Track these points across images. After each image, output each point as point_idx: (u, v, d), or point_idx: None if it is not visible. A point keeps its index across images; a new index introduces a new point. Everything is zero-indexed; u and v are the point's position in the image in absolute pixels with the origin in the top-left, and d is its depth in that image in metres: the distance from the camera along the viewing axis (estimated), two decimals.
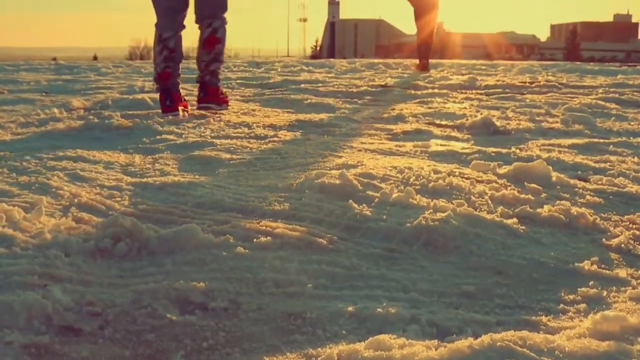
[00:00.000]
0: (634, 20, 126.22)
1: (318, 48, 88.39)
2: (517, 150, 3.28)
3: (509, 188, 2.38)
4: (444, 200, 2.14)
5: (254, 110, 4.90)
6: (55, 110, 4.70)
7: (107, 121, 3.88)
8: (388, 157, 3.00)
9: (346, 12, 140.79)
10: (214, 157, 2.94)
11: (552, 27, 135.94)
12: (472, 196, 2.22)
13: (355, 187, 2.19)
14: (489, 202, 2.17)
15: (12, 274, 1.48)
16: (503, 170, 2.66)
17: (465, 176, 2.52)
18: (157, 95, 5.49)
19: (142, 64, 13.57)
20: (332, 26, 31.76)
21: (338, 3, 29.45)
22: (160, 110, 4.57)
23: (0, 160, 2.84)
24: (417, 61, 13.30)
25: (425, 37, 12.59)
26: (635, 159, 3.17)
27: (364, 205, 2.03)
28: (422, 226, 1.82)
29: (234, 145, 3.22)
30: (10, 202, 2.08)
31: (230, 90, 6.65)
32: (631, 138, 3.87)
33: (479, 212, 2.01)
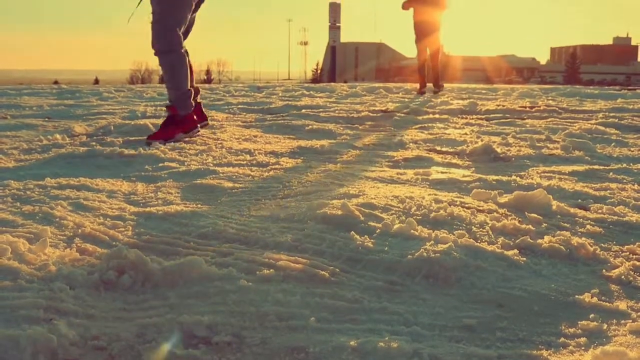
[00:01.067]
0: (633, 43, 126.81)
1: (319, 71, 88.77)
2: (518, 178, 3.29)
3: (509, 218, 2.40)
4: (445, 230, 2.15)
5: (255, 136, 4.93)
6: (58, 136, 4.73)
7: (109, 148, 3.90)
8: (389, 185, 3.02)
9: (347, 36, 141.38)
10: (216, 185, 2.96)
11: (552, 50, 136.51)
12: (473, 226, 2.23)
13: (357, 217, 2.21)
14: (490, 232, 2.19)
15: (18, 308, 1.49)
16: (504, 199, 2.67)
17: (466, 205, 2.54)
18: (158, 121, 5.55)
19: (144, 88, 13.63)
20: (333, 50, 31.92)
21: (339, 27, 29.61)
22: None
23: (4, 188, 2.86)
24: (417, 85, 13.40)
25: (434, 60, 12.65)
26: (635, 187, 3.18)
27: (365, 236, 2.05)
28: (424, 258, 1.84)
29: (236, 174, 3.24)
30: (15, 232, 2.10)
31: (231, 115, 6.69)
32: (631, 164, 3.88)
33: (480, 243, 2.02)
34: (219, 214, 2.40)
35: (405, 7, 12.29)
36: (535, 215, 2.40)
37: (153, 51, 4.71)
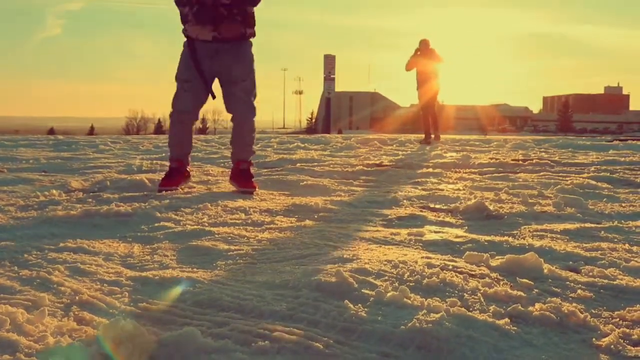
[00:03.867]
0: (624, 92, 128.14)
1: (314, 120, 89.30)
2: (510, 238, 3.33)
3: (501, 283, 2.43)
4: (437, 298, 2.18)
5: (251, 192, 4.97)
6: (55, 192, 4.76)
7: (105, 207, 3.93)
8: (383, 247, 3.05)
9: (342, 85, 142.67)
10: (211, 247, 2.99)
11: (545, 99, 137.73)
12: (465, 293, 2.26)
13: (350, 285, 2.24)
14: (482, 299, 2.21)
15: None
16: (496, 262, 2.71)
17: (459, 270, 2.57)
18: (155, 176, 5.62)
19: (140, 139, 13.72)
20: (328, 102, 32.11)
21: (334, 79, 29.81)
22: (157, 192, 4.87)
23: (2, 250, 2.89)
24: (413, 136, 14.04)
25: (430, 110, 13.61)
26: (626, 246, 3.22)
27: (359, 305, 2.07)
28: (416, 329, 1.86)
29: (231, 235, 3.27)
30: (14, 299, 2.13)
31: (227, 170, 6.74)
32: (622, 222, 3.93)
33: (471, 312, 2.05)
34: (214, 280, 2.42)
35: (408, 68, 13.62)
36: (527, 281, 2.43)
37: None
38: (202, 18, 4.89)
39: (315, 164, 7.48)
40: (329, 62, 31.17)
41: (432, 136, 13.75)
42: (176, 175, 5.16)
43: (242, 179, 5.15)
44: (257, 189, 5.08)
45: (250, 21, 5.05)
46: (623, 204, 4.70)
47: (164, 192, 4.86)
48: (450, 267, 2.61)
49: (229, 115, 5.23)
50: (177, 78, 5.11)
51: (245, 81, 5.07)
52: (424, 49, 13.94)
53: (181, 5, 4.99)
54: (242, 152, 5.26)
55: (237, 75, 5.04)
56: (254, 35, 5.12)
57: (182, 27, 5.05)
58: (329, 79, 31.17)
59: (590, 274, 2.65)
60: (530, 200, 4.66)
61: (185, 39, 5.10)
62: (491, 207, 4.26)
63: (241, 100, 5.11)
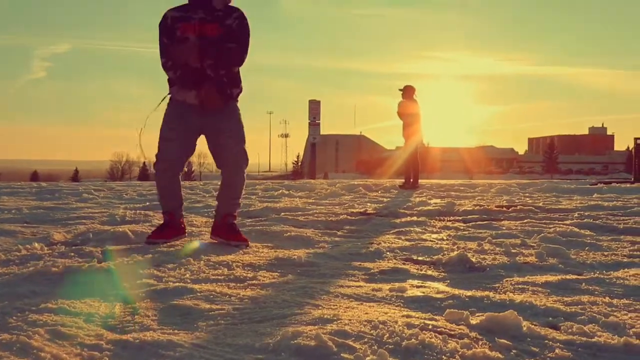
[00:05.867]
0: (608, 132, 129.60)
1: (300, 164, 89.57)
2: (491, 293, 3.35)
3: (480, 343, 2.45)
4: None
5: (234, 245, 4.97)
6: (37, 245, 4.75)
7: (87, 264, 3.91)
8: (364, 304, 3.07)
9: (328, 127, 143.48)
10: (193, 307, 2.98)
11: (530, 140, 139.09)
12: (443, 356, 2.27)
13: (330, 348, 2.24)
14: None
15: None
16: (476, 320, 2.72)
17: (438, 330, 2.58)
18: (138, 227, 5.63)
19: (124, 187, 13.71)
20: (313, 147, 32.30)
21: (319, 124, 30.04)
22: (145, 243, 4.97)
23: None
24: (399, 181, 14.13)
25: (411, 157, 13.68)
26: (607, 299, 3.25)
27: None
28: None
29: (213, 293, 3.27)
30: None
31: (210, 220, 6.75)
32: (604, 272, 3.97)
33: None
34: (195, 343, 2.42)
35: (400, 114, 13.78)
36: (505, 341, 2.45)
37: None
38: (187, 83, 4.94)
39: (300, 213, 7.50)
40: (314, 107, 31.42)
41: (411, 180, 13.79)
42: (167, 228, 5.15)
43: (231, 233, 5.13)
44: (248, 243, 5.06)
45: (236, 80, 5.10)
46: (605, 253, 4.75)
47: (150, 244, 4.86)
48: (430, 326, 2.62)
49: (212, 160, 5.25)
50: (160, 131, 5.11)
51: (233, 131, 5.08)
52: (409, 93, 14.04)
53: (167, 69, 5.03)
54: (230, 207, 5.24)
55: (225, 128, 5.06)
56: (240, 92, 5.14)
57: (169, 89, 5.08)
58: (314, 124, 31.40)
59: (570, 330, 2.67)
60: (512, 251, 4.71)
61: (167, 95, 5.12)
62: (473, 259, 4.29)
63: (232, 150, 5.09)
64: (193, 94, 4.94)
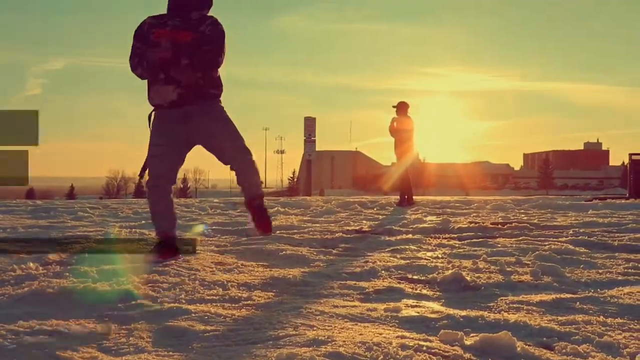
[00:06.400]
0: (603, 147, 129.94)
1: (295, 180, 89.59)
2: (486, 313, 3.35)
3: None
4: None
5: (229, 264, 4.96)
6: (32, 265, 4.72)
7: (82, 285, 3.91)
8: (359, 325, 3.07)
9: (323, 144, 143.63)
10: (187, 328, 2.98)
11: (525, 156, 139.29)
12: None
13: None
14: None
15: None
16: (470, 340, 2.73)
17: (432, 351, 2.59)
18: (134, 247, 5.63)
19: (119, 204, 13.68)
20: (309, 164, 32.27)
21: (314, 141, 30.06)
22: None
23: None
24: (393, 198, 14.10)
25: (405, 174, 13.67)
26: (601, 318, 3.26)
27: None
28: None
29: (208, 313, 3.26)
30: None
31: (206, 238, 6.75)
32: (598, 290, 3.98)
33: None
34: None
35: (393, 130, 13.79)
36: None
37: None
38: (161, 78, 4.94)
39: (295, 231, 7.50)
40: (310, 124, 31.44)
41: (406, 197, 13.77)
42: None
43: (260, 219, 5.33)
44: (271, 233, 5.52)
45: (215, 82, 5.10)
46: (600, 271, 4.76)
47: (147, 264, 4.85)
48: (425, 347, 2.62)
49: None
50: (148, 149, 5.11)
51: (225, 132, 5.09)
52: (403, 109, 14.02)
53: (135, 67, 5.05)
54: (253, 191, 5.30)
55: (215, 130, 5.07)
56: (220, 93, 5.13)
57: (148, 98, 5.06)
58: (309, 141, 31.41)
59: (564, 350, 2.68)
60: (507, 269, 4.71)
61: (152, 112, 5.11)
62: (468, 278, 4.30)
63: (233, 149, 5.11)
64: (171, 87, 4.93)
